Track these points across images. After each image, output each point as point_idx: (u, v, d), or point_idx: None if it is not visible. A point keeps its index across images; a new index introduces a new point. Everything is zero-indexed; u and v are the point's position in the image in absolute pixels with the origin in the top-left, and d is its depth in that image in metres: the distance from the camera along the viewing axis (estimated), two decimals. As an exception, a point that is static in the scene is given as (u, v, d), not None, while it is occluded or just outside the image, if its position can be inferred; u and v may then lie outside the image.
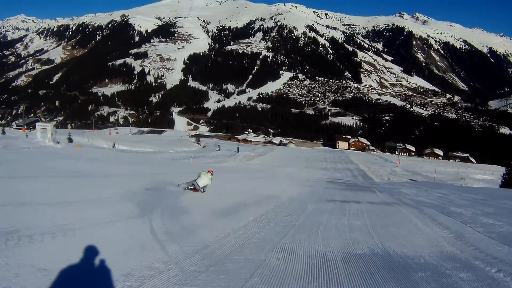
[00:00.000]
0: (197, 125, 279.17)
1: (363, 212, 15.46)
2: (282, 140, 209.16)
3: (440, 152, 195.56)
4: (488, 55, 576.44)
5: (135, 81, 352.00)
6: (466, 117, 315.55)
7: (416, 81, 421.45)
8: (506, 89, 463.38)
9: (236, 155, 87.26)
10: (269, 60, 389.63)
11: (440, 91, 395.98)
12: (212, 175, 17.04)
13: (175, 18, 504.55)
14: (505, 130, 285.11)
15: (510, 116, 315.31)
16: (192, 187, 16.41)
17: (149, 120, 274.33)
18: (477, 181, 68.95)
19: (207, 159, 66.86)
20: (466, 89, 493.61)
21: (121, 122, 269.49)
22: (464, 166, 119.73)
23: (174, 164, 41.55)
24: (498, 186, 49.53)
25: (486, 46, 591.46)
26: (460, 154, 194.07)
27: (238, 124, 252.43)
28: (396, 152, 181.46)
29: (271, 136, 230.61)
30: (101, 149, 60.07)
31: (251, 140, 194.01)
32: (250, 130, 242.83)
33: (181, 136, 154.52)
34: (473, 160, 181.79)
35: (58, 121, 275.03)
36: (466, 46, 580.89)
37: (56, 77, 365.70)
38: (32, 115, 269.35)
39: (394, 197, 22.56)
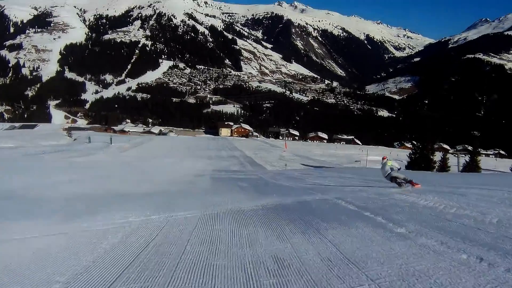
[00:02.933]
0: (75, 118, 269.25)
1: None
2: (162, 129, 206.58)
3: (325, 136, 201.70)
4: (366, 41, 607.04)
5: (10, 74, 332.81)
6: (345, 102, 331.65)
7: (296, 68, 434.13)
8: (382, 74, 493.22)
9: (108, 147, 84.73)
10: (148, 48, 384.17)
11: (318, 77, 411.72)
12: (387, 159, 16.25)
13: (52, 7, 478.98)
14: (383, 113, 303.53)
15: (387, 99, 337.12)
16: (398, 181, 15.40)
17: (25, 115, 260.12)
18: (373, 163, 68.94)
19: (70, 152, 63.41)
20: (344, 75, 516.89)
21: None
22: (353, 148, 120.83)
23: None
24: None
25: (364, 33, 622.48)
26: (345, 136, 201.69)
27: (114, 115, 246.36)
28: (280, 137, 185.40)
29: (150, 125, 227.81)
30: None
31: (129, 131, 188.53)
32: (128, 120, 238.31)
33: (54, 130, 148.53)
34: (358, 142, 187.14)
35: None
36: (344, 33, 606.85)
37: None
38: None
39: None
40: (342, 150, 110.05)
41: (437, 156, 50.94)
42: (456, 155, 55.83)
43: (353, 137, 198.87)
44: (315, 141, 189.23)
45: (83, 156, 59.13)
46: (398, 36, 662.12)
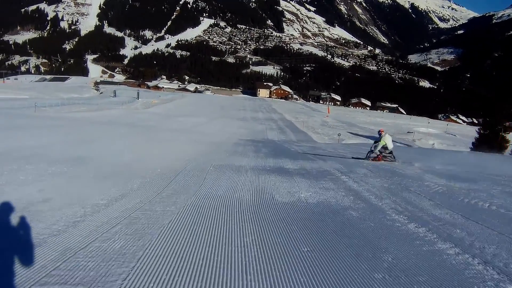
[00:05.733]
0: (113, 73, 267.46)
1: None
2: (198, 87, 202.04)
3: (368, 102, 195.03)
4: (410, 10, 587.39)
5: (48, 27, 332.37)
6: (387, 70, 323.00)
7: (338, 32, 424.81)
8: (426, 44, 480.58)
9: (133, 102, 79.67)
10: (189, 6, 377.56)
11: (361, 43, 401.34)
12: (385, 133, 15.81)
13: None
14: (425, 84, 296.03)
15: (429, 70, 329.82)
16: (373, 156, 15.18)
17: (62, 69, 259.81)
18: (425, 135, 63.31)
19: (79, 106, 57.55)
20: (387, 42, 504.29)
21: (33, 71, 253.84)
22: (399, 118, 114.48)
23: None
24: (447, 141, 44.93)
25: (409, 1, 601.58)
26: (388, 104, 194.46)
27: (149, 70, 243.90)
28: (321, 102, 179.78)
29: (186, 82, 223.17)
30: None
31: (163, 87, 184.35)
32: (164, 77, 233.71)
33: (85, 83, 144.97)
34: (403, 111, 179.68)
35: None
36: (389, 1, 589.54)
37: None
38: None
39: None
40: (389, 118, 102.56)
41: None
42: None
43: (397, 105, 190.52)
44: (357, 107, 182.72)
45: (92, 111, 53.36)
46: (442, 7, 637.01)
